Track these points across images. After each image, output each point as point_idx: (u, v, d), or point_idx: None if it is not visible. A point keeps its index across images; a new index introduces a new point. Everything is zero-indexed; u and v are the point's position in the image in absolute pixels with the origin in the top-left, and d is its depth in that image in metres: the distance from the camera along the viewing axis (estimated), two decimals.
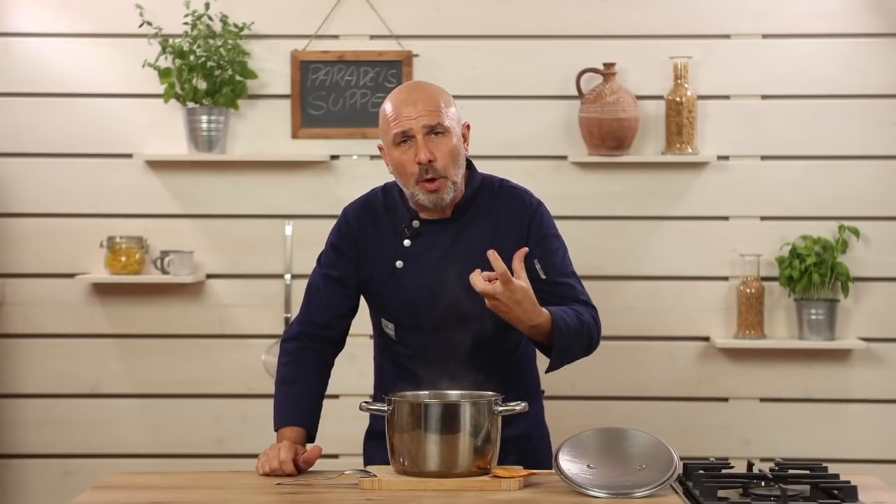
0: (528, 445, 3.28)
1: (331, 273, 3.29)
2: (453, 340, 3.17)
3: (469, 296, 3.11)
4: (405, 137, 3.15)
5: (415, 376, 3.15)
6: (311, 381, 3.24)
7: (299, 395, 3.21)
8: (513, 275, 2.96)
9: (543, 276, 3.18)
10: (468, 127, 3.26)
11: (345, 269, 3.28)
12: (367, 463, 3.31)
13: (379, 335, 3.34)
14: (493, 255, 2.94)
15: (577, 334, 3.11)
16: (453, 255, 3.19)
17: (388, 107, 3.20)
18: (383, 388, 3.22)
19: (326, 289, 3.28)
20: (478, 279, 2.95)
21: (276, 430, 3.19)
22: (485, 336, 3.19)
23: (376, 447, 3.22)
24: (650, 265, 4.83)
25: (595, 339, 3.20)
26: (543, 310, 3.04)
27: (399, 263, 3.22)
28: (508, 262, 3.14)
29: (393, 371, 3.27)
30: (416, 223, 3.23)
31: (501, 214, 3.24)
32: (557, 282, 3.20)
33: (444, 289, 3.17)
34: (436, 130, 3.14)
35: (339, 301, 3.29)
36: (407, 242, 3.23)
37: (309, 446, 3.12)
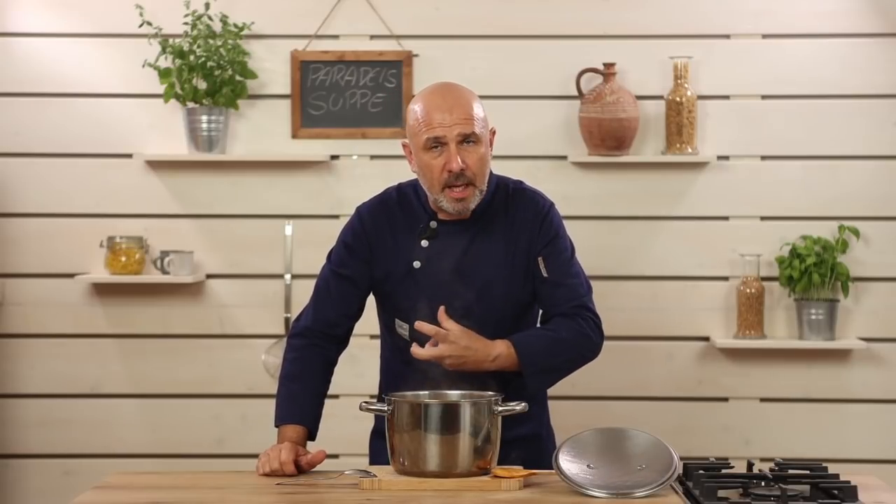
0: (536, 445, 3.29)
1: (342, 272, 3.29)
2: None
3: (485, 297, 3.16)
4: (437, 143, 3.14)
5: (428, 376, 3.15)
6: (315, 380, 3.25)
7: (303, 393, 3.22)
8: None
9: (546, 275, 3.19)
10: (494, 132, 3.25)
11: (357, 268, 3.28)
12: (372, 461, 3.31)
13: (390, 336, 3.33)
14: (419, 325, 3.10)
15: (550, 352, 3.17)
16: (470, 257, 3.20)
17: (418, 108, 3.16)
18: (392, 388, 3.20)
19: (337, 287, 3.29)
20: (419, 350, 3.10)
21: (276, 426, 3.20)
22: (499, 337, 3.20)
23: (381, 447, 3.22)
24: (650, 265, 4.83)
25: (587, 348, 3.23)
26: (497, 342, 3.14)
27: (416, 264, 3.22)
28: (524, 262, 3.17)
29: (403, 370, 3.25)
30: (433, 224, 3.24)
31: (516, 217, 3.25)
32: (558, 283, 3.21)
33: (461, 290, 3.18)
34: (469, 139, 3.14)
35: (349, 300, 3.29)
36: (424, 243, 3.23)
37: (313, 449, 3.12)
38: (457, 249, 3.20)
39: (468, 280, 3.18)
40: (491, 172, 3.28)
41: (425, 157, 3.16)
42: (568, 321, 3.20)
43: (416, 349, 3.11)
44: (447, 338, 3.08)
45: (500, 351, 3.12)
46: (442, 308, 3.10)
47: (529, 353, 3.14)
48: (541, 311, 3.30)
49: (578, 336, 3.20)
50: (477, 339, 3.11)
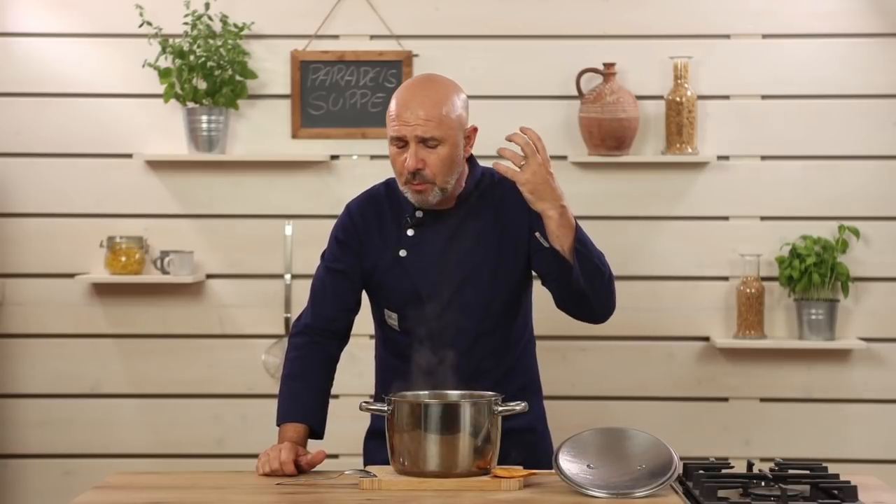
0: (531, 438, 3.31)
1: (336, 266, 3.31)
2: (457, 328, 3.21)
3: (473, 283, 3.17)
4: (401, 142, 3.18)
5: (419, 368, 3.16)
6: (318, 378, 3.26)
7: (305, 391, 3.23)
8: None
9: (547, 245, 3.18)
10: (475, 130, 3.27)
11: (349, 262, 3.30)
12: (366, 463, 3.31)
13: (381, 329, 3.36)
14: (522, 130, 3.05)
15: (598, 255, 3.16)
16: (457, 243, 3.23)
17: (393, 102, 3.22)
18: (386, 383, 3.23)
19: (332, 282, 3.31)
20: (504, 160, 3.05)
21: (278, 425, 3.20)
22: (488, 324, 3.24)
23: (376, 447, 3.23)
24: (650, 265, 4.83)
25: (612, 290, 3.21)
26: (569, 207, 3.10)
27: (403, 252, 3.25)
28: (512, 247, 3.23)
29: (396, 364, 3.27)
30: (419, 213, 3.26)
31: (503, 202, 3.28)
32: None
33: (448, 276, 3.21)
34: (428, 143, 3.17)
35: (345, 294, 3.31)
36: (410, 232, 3.26)
37: (313, 448, 3.13)
38: (442, 236, 3.23)
39: (455, 266, 3.21)
40: (477, 164, 3.31)
41: (391, 149, 3.22)
42: None
43: (498, 164, 3.05)
44: (529, 158, 3.02)
45: (567, 204, 3.08)
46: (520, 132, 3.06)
47: (584, 236, 3.13)
48: (554, 289, 3.23)
49: (611, 276, 3.20)
50: (551, 178, 3.05)
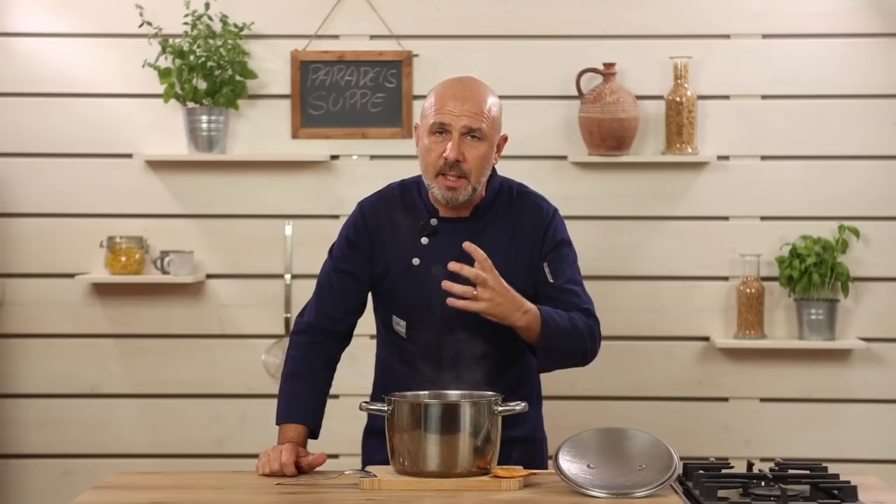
0: (531, 447, 3.31)
1: (344, 267, 3.29)
2: (464, 340, 3.20)
3: None
4: (442, 129, 3.16)
5: (423, 375, 3.16)
6: (318, 378, 3.25)
7: (305, 392, 3.22)
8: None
9: (551, 280, 3.20)
10: (505, 139, 3.27)
11: (358, 263, 3.28)
12: (365, 461, 3.32)
13: (386, 333, 3.34)
14: (469, 245, 3.03)
15: (567, 336, 3.15)
16: (470, 256, 3.20)
17: (435, 93, 3.20)
18: (389, 386, 3.21)
19: (339, 282, 3.29)
20: (457, 302, 3.02)
21: (277, 424, 3.20)
22: (495, 338, 3.22)
23: (375, 445, 3.23)
24: (650, 265, 4.83)
25: (590, 349, 3.23)
26: (527, 301, 3.09)
27: (416, 261, 3.23)
28: (524, 264, 3.18)
29: (400, 369, 3.27)
30: (434, 221, 3.24)
31: (519, 220, 3.26)
32: (564, 288, 3.23)
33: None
34: (473, 134, 3.15)
35: (352, 295, 3.30)
36: (424, 240, 3.24)
37: (312, 449, 3.12)
38: (456, 248, 3.20)
39: (467, 279, 3.19)
40: (496, 173, 3.30)
41: (428, 140, 3.18)
42: (582, 316, 3.21)
43: (452, 300, 3.03)
44: (486, 282, 3.01)
45: (529, 307, 3.08)
46: (468, 243, 3.05)
47: (552, 325, 3.11)
48: None
49: (589, 332, 3.21)
50: (509, 289, 3.05)
